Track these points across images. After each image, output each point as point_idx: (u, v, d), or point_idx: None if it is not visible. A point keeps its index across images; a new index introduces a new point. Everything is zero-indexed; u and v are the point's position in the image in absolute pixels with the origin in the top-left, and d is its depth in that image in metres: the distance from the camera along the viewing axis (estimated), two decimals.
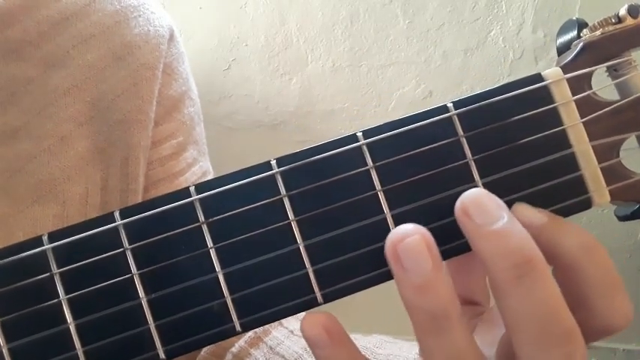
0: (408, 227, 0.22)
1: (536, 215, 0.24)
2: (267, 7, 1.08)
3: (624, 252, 1.05)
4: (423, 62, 1.04)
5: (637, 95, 0.26)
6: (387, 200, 0.25)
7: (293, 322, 0.42)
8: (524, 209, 0.24)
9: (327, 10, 1.05)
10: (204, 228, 0.25)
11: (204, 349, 0.41)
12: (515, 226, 0.22)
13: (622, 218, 0.29)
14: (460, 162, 0.25)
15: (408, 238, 0.22)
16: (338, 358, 0.23)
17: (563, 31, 0.29)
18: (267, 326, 0.41)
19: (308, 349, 0.38)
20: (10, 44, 0.37)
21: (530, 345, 0.21)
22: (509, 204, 0.25)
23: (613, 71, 0.27)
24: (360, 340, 0.40)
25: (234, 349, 0.40)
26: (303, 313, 0.45)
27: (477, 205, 0.22)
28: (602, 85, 0.27)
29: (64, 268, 0.24)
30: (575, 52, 0.26)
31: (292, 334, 0.40)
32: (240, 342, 0.40)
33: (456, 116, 0.25)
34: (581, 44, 0.26)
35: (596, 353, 1.09)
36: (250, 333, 0.40)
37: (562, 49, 0.29)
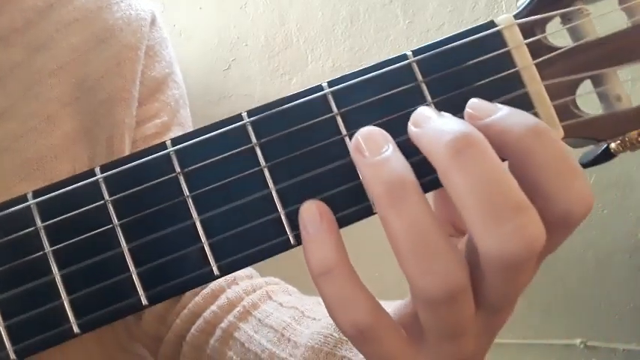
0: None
1: (491, 110, 0.24)
2: (267, 7, 1.09)
3: (624, 252, 1.05)
4: None
5: (586, 39, 0.27)
6: None
7: (282, 296, 0.43)
8: (478, 104, 0.25)
9: (327, 10, 1.06)
10: (181, 178, 0.26)
11: (194, 327, 0.42)
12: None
13: (586, 165, 0.30)
14: (421, 105, 0.26)
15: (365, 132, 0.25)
16: (324, 244, 0.24)
17: None
18: (256, 300, 0.42)
19: (297, 317, 0.39)
20: None
21: (481, 222, 0.21)
22: None
23: (567, 20, 0.28)
24: None
25: (223, 325, 0.41)
26: (293, 289, 0.45)
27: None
28: (558, 35, 0.28)
29: (49, 222, 0.26)
30: (529, 0, 0.28)
31: (281, 307, 0.40)
32: (229, 317, 0.41)
33: (415, 63, 0.26)
34: None
35: (596, 353, 1.08)
36: (239, 307, 0.41)
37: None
